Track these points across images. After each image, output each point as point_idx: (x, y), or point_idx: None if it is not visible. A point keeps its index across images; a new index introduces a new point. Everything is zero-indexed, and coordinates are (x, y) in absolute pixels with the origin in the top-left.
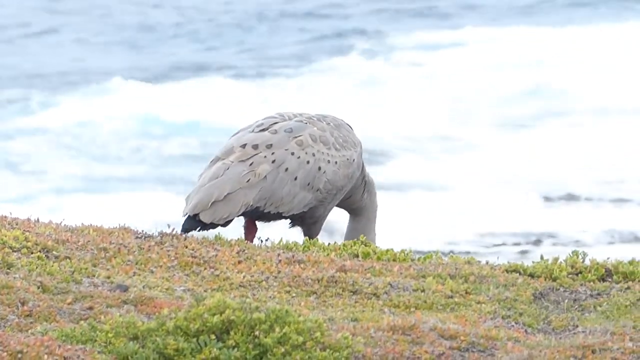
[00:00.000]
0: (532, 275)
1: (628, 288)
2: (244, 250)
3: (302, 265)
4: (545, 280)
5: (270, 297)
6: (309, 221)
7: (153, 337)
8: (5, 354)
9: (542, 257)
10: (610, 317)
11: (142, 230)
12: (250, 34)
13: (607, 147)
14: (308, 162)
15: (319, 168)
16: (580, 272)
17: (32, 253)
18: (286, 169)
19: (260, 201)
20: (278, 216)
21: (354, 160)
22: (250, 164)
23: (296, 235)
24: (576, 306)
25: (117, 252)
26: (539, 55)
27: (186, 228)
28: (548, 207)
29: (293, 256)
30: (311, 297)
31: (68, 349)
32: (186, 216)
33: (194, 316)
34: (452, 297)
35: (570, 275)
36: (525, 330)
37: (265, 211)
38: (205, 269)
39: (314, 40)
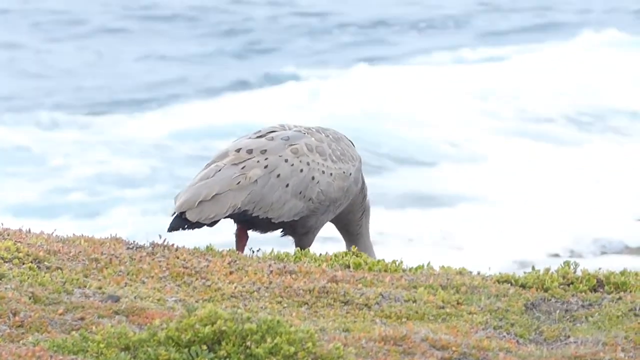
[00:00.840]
0: (523, 286)
1: (620, 299)
2: (235, 261)
3: (293, 276)
4: (536, 290)
5: (262, 307)
6: (300, 231)
7: (144, 347)
8: None
9: (533, 268)
10: (602, 328)
11: (134, 241)
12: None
13: None
14: (301, 170)
15: (313, 178)
16: (572, 283)
17: (23, 264)
18: (278, 175)
19: (249, 204)
20: (267, 222)
21: (350, 174)
22: (242, 167)
23: (287, 245)
24: (568, 317)
25: (108, 262)
26: None
27: (172, 227)
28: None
29: (284, 267)
30: (303, 308)
31: (60, 359)
32: (174, 215)
33: (185, 327)
34: (443, 307)
35: (561, 286)
36: (517, 341)
37: (254, 215)
38: (196, 279)
39: None
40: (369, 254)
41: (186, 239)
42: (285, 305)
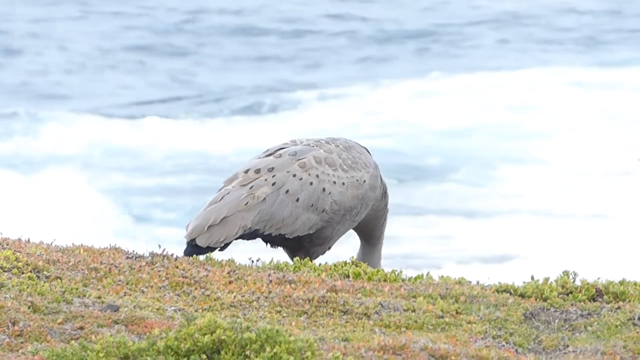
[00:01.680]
0: (522, 296)
1: (619, 308)
2: (234, 271)
3: (292, 286)
4: (535, 300)
5: (261, 317)
6: (317, 242)
7: (144, 356)
8: None
9: (532, 277)
10: (601, 337)
11: (133, 251)
12: None
13: None
14: (311, 183)
15: (324, 189)
16: (571, 292)
17: (22, 273)
18: (287, 191)
19: (260, 223)
20: (281, 238)
21: (364, 181)
22: (250, 188)
23: (286, 255)
24: (567, 326)
25: (107, 272)
26: None
27: (186, 254)
28: None
29: (284, 276)
30: (302, 317)
31: None
32: (186, 244)
33: (184, 336)
34: (442, 317)
35: (560, 295)
36: (516, 350)
37: (266, 233)
38: (196, 289)
39: None
40: (379, 260)
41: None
42: (285, 314)
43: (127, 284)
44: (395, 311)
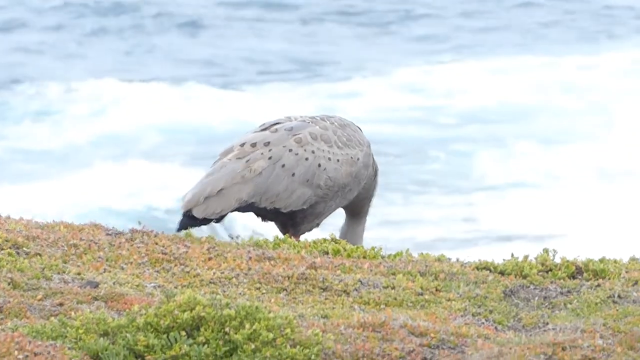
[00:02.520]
0: (502, 273)
1: (598, 286)
2: (214, 247)
3: (272, 262)
4: (515, 277)
5: (241, 293)
6: (309, 218)
7: (123, 333)
8: None
9: (512, 255)
10: (581, 315)
11: (113, 227)
12: None
13: None
14: (307, 158)
15: (319, 165)
16: (551, 270)
17: (2, 249)
18: (283, 165)
19: (255, 196)
20: (275, 212)
21: (358, 159)
22: (247, 161)
23: (266, 231)
24: (546, 304)
25: (87, 248)
26: None
27: (181, 226)
28: None
29: (263, 253)
30: (281, 294)
31: (38, 345)
32: (182, 215)
33: (164, 312)
34: (422, 294)
35: (540, 273)
36: (496, 328)
37: (261, 207)
38: (175, 265)
39: None
40: (362, 232)
41: (168, 226)
42: (264, 291)
43: (106, 260)
44: (374, 288)
